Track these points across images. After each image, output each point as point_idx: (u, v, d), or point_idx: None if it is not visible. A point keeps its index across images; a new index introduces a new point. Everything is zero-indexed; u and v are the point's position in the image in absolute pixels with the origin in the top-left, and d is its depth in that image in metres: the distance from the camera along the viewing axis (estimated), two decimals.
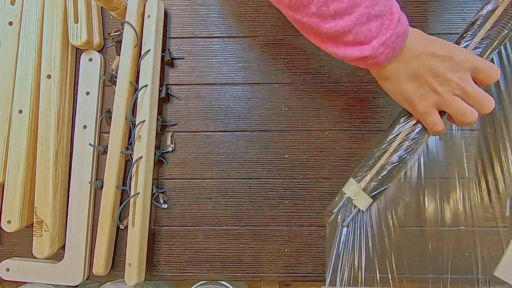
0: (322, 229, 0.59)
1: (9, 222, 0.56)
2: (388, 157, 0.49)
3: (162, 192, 0.60)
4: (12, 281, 0.57)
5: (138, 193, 0.55)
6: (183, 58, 0.62)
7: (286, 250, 0.59)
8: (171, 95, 0.61)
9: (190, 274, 0.59)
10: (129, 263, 0.54)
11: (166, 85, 0.61)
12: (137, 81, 0.58)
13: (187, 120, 0.61)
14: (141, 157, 0.56)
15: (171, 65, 0.62)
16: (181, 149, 0.61)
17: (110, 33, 0.61)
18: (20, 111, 0.57)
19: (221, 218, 0.60)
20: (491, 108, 0.41)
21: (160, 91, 0.59)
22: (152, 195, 0.58)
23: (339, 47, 0.40)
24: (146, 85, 0.56)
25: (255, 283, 0.63)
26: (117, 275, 0.59)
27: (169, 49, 0.61)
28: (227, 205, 0.60)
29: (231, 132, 0.60)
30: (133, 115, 0.58)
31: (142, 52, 0.58)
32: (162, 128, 0.60)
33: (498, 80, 0.48)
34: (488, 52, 0.46)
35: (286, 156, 0.60)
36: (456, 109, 0.42)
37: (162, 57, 0.60)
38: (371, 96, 0.60)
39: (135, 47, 0.58)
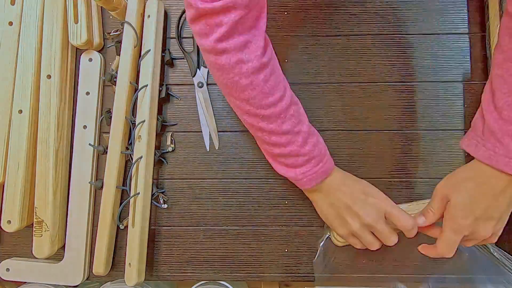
0: (322, 229, 0.59)
1: (9, 222, 0.56)
2: None
3: (162, 192, 0.60)
4: (12, 281, 0.57)
5: (138, 193, 0.55)
6: (183, 58, 0.62)
7: (286, 250, 0.59)
8: (171, 95, 0.61)
9: (190, 274, 0.59)
10: (129, 263, 0.54)
11: (166, 85, 0.61)
12: (137, 81, 0.58)
13: (187, 120, 0.61)
14: (141, 157, 0.56)
15: (171, 65, 0.62)
16: (181, 149, 0.61)
17: (110, 32, 0.61)
18: (20, 111, 0.57)
19: (221, 218, 0.60)
20: (393, 243, 0.49)
21: (160, 91, 0.59)
22: (152, 195, 0.58)
23: (274, 163, 0.52)
24: (146, 85, 0.56)
25: (255, 283, 0.63)
26: (117, 275, 0.59)
27: (169, 49, 0.61)
28: (227, 205, 0.60)
29: (231, 132, 0.60)
30: (133, 115, 0.58)
31: (142, 52, 0.58)
32: (162, 128, 0.60)
33: None
34: None
35: None
36: (364, 240, 0.50)
37: (162, 57, 0.60)
38: (371, 96, 0.60)
39: (135, 47, 0.58)
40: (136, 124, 0.56)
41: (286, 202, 0.59)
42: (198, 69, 0.58)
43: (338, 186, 0.51)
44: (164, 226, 0.60)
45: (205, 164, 0.60)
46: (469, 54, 0.59)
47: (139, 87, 0.57)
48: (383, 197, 0.51)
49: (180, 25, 0.62)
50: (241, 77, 0.45)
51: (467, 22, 0.60)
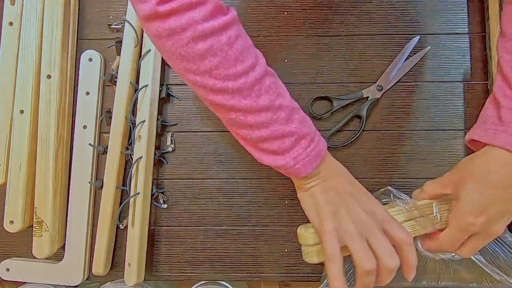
0: None
1: (11, 222, 0.56)
2: None
3: (162, 192, 0.60)
4: (12, 281, 0.57)
5: (138, 193, 0.55)
6: None
7: (286, 250, 0.59)
8: (171, 95, 0.61)
9: (190, 274, 0.59)
10: (129, 263, 0.54)
11: (166, 85, 0.61)
12: (137, 81, 0.58)
13: (187, 120, 0.61)
14: (141, 157, 0.56)
15: None
16: (181, 149, 0.61)
17: (111, 24, 0.61)
18: (22, 112, 0.57)
19: (221, 218, 0.60)
20: (392, 266, 0.39)
21: (160, 91, 0.59)
22: (152, 195, 0.58)
23: (257, 152, 0.43)
24: (146, 85, 0.56)
25: (255, 283, 0.63)
26: (116, 275, 0.59)
27: None
28: (227, 205, 0.60)
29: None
30: (133, 115, 0.58)
31: (143, 52, 0.58)
32: (162, 128, 0.60)
33: None
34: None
35: None
36: (357, 246, 0.39)
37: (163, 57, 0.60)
38: None
39: (135, 47, 0.58)
40: (136, 124, 0.56)
41: (286, 202, 0.59)
42: None
43: (339, 172, 0.44)
44: (164, 226, 0.60)
45: (205, 164, 0.60)
46: (469, 54, 0.59)
47: (139, 87, 0.57)
48: (382, 207, 0.44)
49: None
50: (196, 40, 0.35)
51: (467, 22, 0.60)
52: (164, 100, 0.61)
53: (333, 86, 0.60)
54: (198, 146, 0.60)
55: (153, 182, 0.59)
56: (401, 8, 0.60)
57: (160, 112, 0.60)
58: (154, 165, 0.59)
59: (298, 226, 0.59)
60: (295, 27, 0.61)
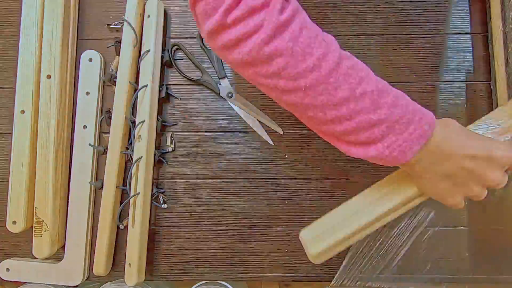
0: None
1: (14, 222, 0.56)
2: None
3: (162, 192, 0.60)
4: (12, 281, 0.57)
5: (138, 193, 0.55)
6: (183, 59, 0.62)
7: (286, 250, 0.59)
8: (171, 95, 0.61)
9: (190, 274, 0.59)
10: (129, 263, 0.54)
11: (166, 85, 0.60)
12: (137, 81, 0.58)
13: (187, 120, 0.61)
14: (141, 157, 0.56)
15: (171, 65, 0.61)
16: (181, 149, 0.61)
17: (110, 24, 0.61)
18: (23, 112, 0.57)
19: (221, 218, 0.59)
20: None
21: (160, 91, 0.59)
22: (152, 195, 0.58)
23: (343, 145, 0.39)
24: (146, 85, 0.56)
25: (255, 283, 0.63)
26: (117, 275, 0.59)
27: (168, 49, 0.61)
28: (227, 205, 0.60)
29: (231, 132, 0.60)
30: (133, 115, 0.58)
31: (142, 52, 0.58)
32: (162, 128, 0.60)
33: None
34: None
35: (286, 156, 0.59)
36: (480, 197, 0.40)
37: (162, 57, 0.60)
38: None
39: (134, 47, 0.58)
40: (136, 124, 0.56)
41: (286, 202, 0.59)
42: (219, 84, 0.60)
43: (453, 146, 0.38)
44: (164, 226, 0.60)
45: (205, 164, 0.60)
46: (471, 54, 0.59)
47: (139, 87, 0.57)
48: (506, 145, 0.38)
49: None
50: (261, 45, 0.34)
51: (469, 22, 0.60)
52: (164, 100, 0.61)
53: None
54: (198, 146, 0.60)
55: (153, 182, 0.59)
56: (401, 8, 0.60)
57: (160, 112, 0.60)
58: (154, 165, 0.59)
59: (298, 226, 0.59)
60: None
